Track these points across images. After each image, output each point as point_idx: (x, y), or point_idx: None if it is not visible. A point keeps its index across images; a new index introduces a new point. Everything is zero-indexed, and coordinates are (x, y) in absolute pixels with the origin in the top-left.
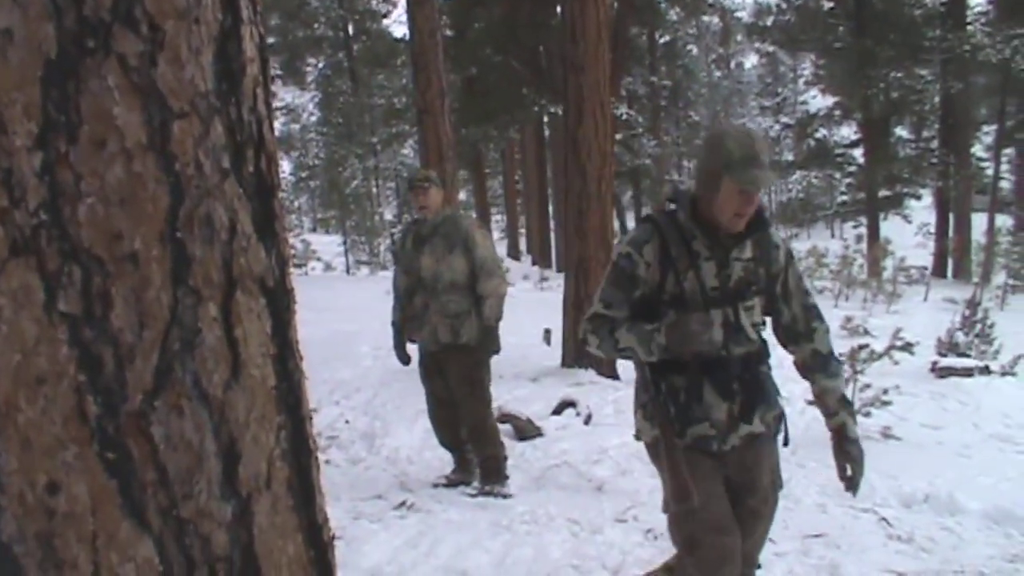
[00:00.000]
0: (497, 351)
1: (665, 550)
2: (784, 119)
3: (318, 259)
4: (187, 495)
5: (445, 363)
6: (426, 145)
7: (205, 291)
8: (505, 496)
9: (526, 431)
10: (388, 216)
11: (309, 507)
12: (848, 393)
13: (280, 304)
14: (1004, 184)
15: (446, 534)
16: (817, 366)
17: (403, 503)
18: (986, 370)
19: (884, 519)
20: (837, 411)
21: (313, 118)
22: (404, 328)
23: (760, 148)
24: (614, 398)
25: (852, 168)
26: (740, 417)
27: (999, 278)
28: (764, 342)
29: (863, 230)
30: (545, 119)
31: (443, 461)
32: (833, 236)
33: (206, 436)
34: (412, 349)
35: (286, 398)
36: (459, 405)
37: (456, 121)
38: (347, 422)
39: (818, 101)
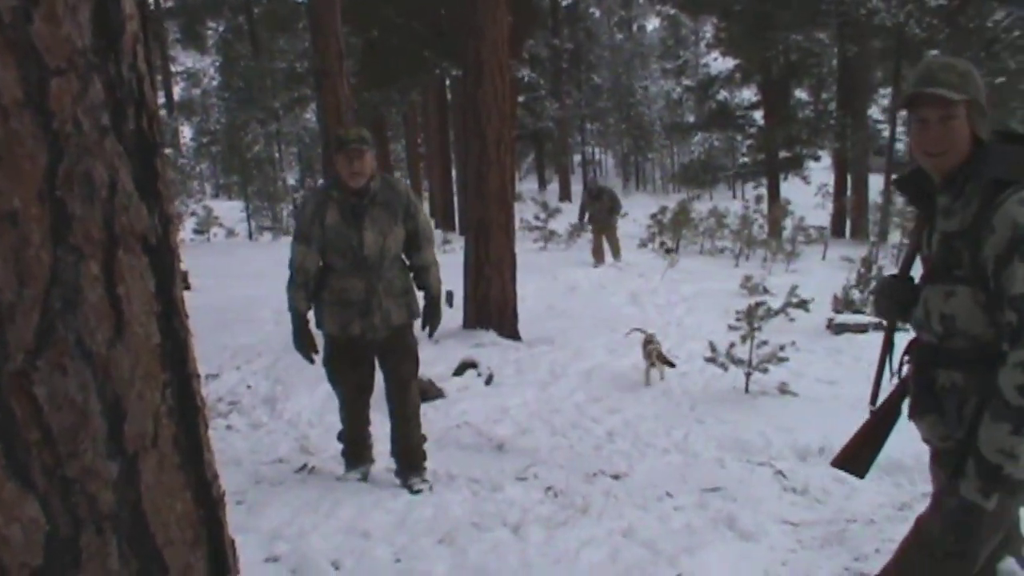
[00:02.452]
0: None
1: (566, 506)
2: (686, 81)
3: (220, 225)
4: (72, 454)
5: (384, 347)
6: (325, 108)
7: (86, 249)
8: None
9: (428, 393)
10: (291, 181)
11: (197, 465)
12: (745, 350)
13: (164, 262)
14: (899, 146)
15: (347, 496)
16: None
17: (304, 466)
18: (880, 326)
19: (780, 472)
20: None
21: (214, 83)
22: (327, 316)
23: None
24: (515, 358)
25: (752, 130)
26: None
27: (895, 237)
28: None
29: (763, 191)
30: (447, 82)
31: None
32: (735, 197)
33: (90, 394)
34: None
35: (171, 356)
36: (403, 388)
37: (357, 84)
38: (249, 387)
39: (719, 64)
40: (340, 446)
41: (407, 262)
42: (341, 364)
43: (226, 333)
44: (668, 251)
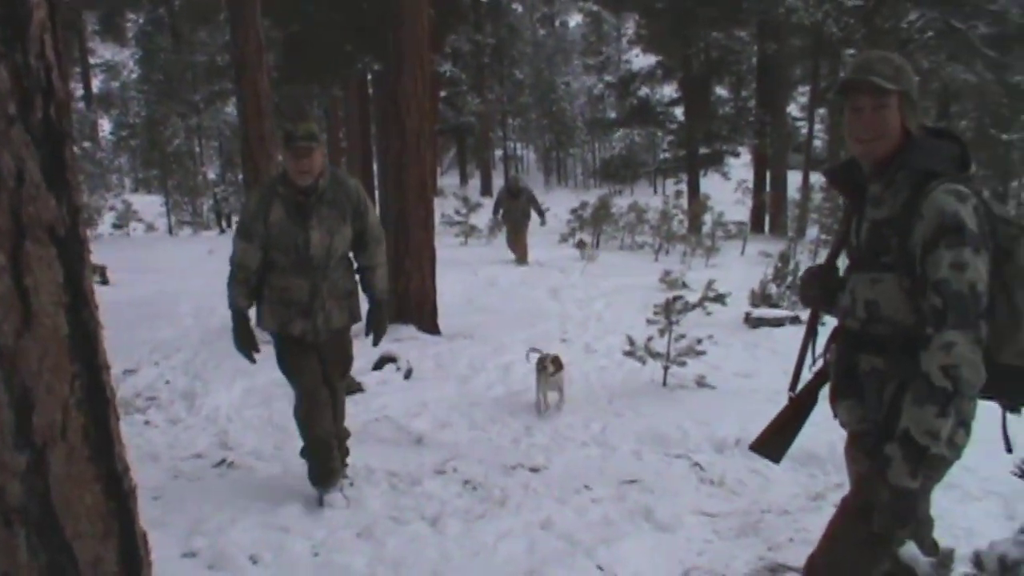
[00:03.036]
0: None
1: (484, 499)
2: (607, 78)
3: (139, 220)
4: None
5: (322, 349)
6: (244, 101)
7: None
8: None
9: (347, 387)
10: (211, 175)
11: (108, 457)
12: (663, 344)
13: (72, 254)
14: (817, 143)
15: (266, 490)
16: None
17: (223, 461)
18: (796, 320)
19: (697, 464)
20: None
21: (133, 75)
22: (267, 314)
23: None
24: (435, 352)
25: (673, 126)
26: None
27: (812, 232)
28: None
29: (683, 186)
30: (369, 76)
31: (262, 419)
32: (655, 192)
33: None
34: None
35: (80, 347)
36: (333, 391)
37: (278, 78)
38: (167, 382)
39: (641, 60)
40: (273, 449)
41: (353, 263)
42: (294, 363)
43: (144, 328)
44: (582, 246)
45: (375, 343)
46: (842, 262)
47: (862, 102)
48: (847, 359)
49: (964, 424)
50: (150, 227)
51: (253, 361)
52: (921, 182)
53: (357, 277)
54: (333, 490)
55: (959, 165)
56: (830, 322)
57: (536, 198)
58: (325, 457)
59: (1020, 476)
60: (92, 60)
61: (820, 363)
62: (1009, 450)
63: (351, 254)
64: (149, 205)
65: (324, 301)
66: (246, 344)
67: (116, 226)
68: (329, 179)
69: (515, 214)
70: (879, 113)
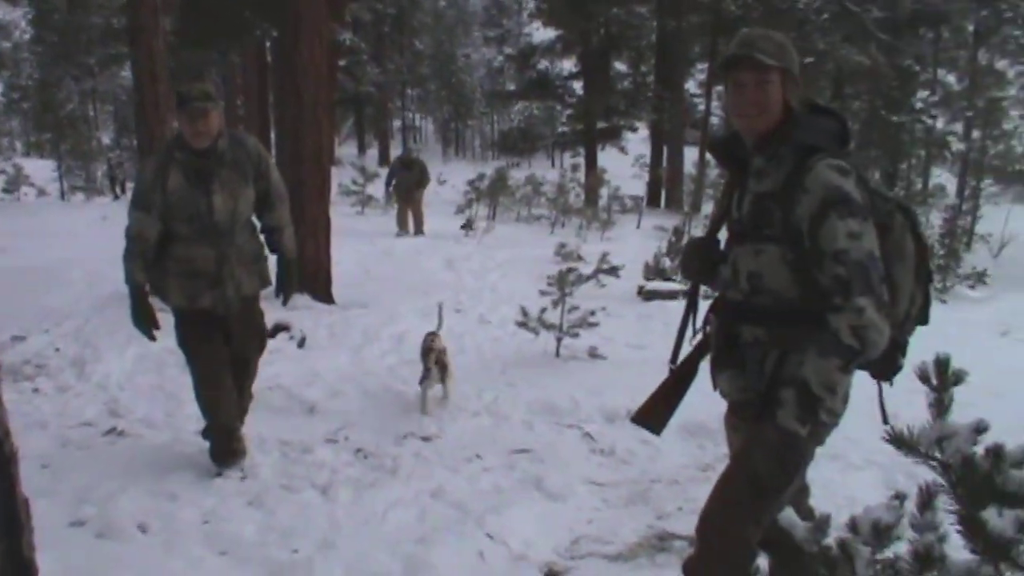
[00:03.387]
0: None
1: (375, 467)
2: (507, 50)
3: (31, 184)
4: None
5: (233, 321)
6: (139, 65)
7: None
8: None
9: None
10: (106, 140)
11: None
12: (556, 315)
13: None
14: (714, 119)
15: (156, 458)
16: None
17: (112, 429)
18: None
19: (588, 434)
20: None
21: (26, 36)
22: (173, 288)
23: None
24: (328, 322)
25: (572, 100)
26: None
27: (708, 208)
28: None
29: (581, 160)
30: (267, 44)
31: (153, 387)
32: (553, 165)
33: None
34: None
35: None
36: (245, 367)
37: (176, 43)
38: (57, 350)
39: (541, 34)
40: (164, 417)
41: (257, 224)
42: (200, 335)
43: (34, 295)
44: (466, 227)
45: (284, 302)
46: (723, 235)
47: (745, 78)
48: (728, 330)
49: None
50: (42, 192)
51: (153, 338)
52: (804, 157)
53: (262, 238)
54: (234, 468)
55: (839, 141)
56: (712, 294)
57: (427, 170)
58: (228, 439)
59: (889, 442)
60: None
61: (700, 335)
62: (885, 421)
63: (254, 216)
64: (41, 170)
65: (233, 268)
66: (145, 320)
67: (6, 191)
68: (227, 140)
69: (408, 184)
70: (762, 88)
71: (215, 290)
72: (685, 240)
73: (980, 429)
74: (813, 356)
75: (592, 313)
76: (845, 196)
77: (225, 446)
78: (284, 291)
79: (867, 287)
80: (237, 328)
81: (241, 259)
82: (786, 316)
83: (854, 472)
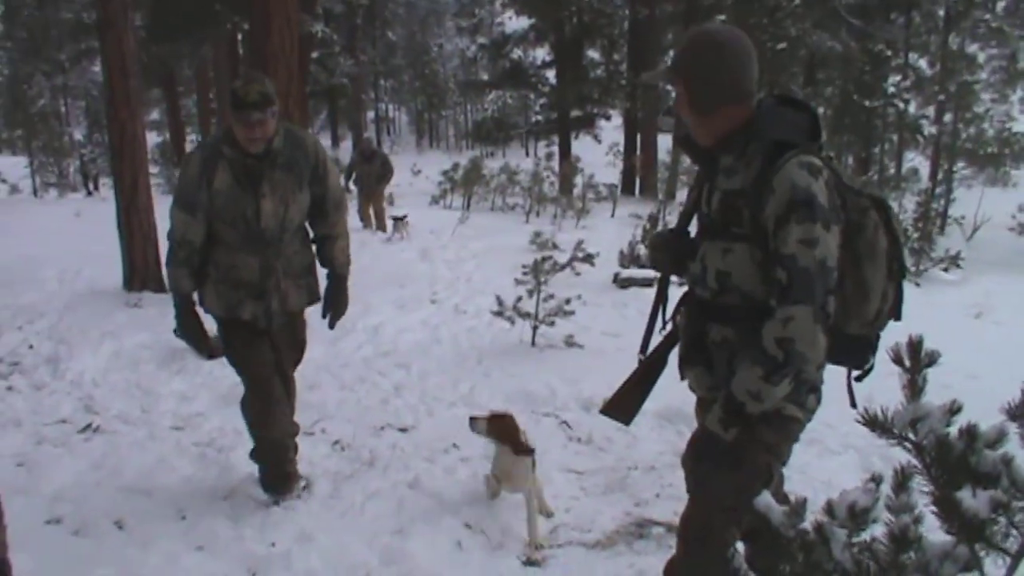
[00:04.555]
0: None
1: (353, 459)
2: (480, 40)
3: (3, 181)
4: None
5: (276, 333)
6: (109, 60)
7: None
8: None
9: (216, 351)
10: (78, 136)
11: None
12: (532, 304)
13: None
14: None
15: (132, 455)
16: None
17: (88, 426)
18: None
19: (565, 422)
20: None
21: None
22: (212, 296)
23: None
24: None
25: (545, 88)
26: None
27: (682, 195)
28: None
29: (555, 149)
30: (239, 37)
31: (129, 383)
32: (527, 155)
33: None
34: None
35: None
36: (285, 382)
37: (147, 37)
38: (31, 347)
39: (514, 23)
40: (140, 413)
41: (310, 233)
42: (243, 343)
43: (8, 292)
44: (398, 220)
45: (331, 325)
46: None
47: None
48: (696, 327)
49: (815, 390)
50: (14, 189)
51: (209, 356)
52: (773, 153)
53: (314, 248)
54: (289, 496)
55: (810, 135)
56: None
57: (390, 164)
58: (281, 460)
59: (864, 424)
60: None
61: (670, 326)
62: (853, 405)
63: (307, 223)
64: (13, 166)
65: (279, 281)
66: (192, 332)
67: None
68: (283, 138)
69: (369, 179)
70: (679, 104)
71: (257, 303)
72: (660, 228)
73: (954, 410)
74: (746, 361)
75: (568, 301)
76: (809, 200)
77: (277, 469)
78: (332, 311)
79: (806, 295)
80: (277, 340)
81: (289, 271)
82: (755, 317)
83: (831, 456)
